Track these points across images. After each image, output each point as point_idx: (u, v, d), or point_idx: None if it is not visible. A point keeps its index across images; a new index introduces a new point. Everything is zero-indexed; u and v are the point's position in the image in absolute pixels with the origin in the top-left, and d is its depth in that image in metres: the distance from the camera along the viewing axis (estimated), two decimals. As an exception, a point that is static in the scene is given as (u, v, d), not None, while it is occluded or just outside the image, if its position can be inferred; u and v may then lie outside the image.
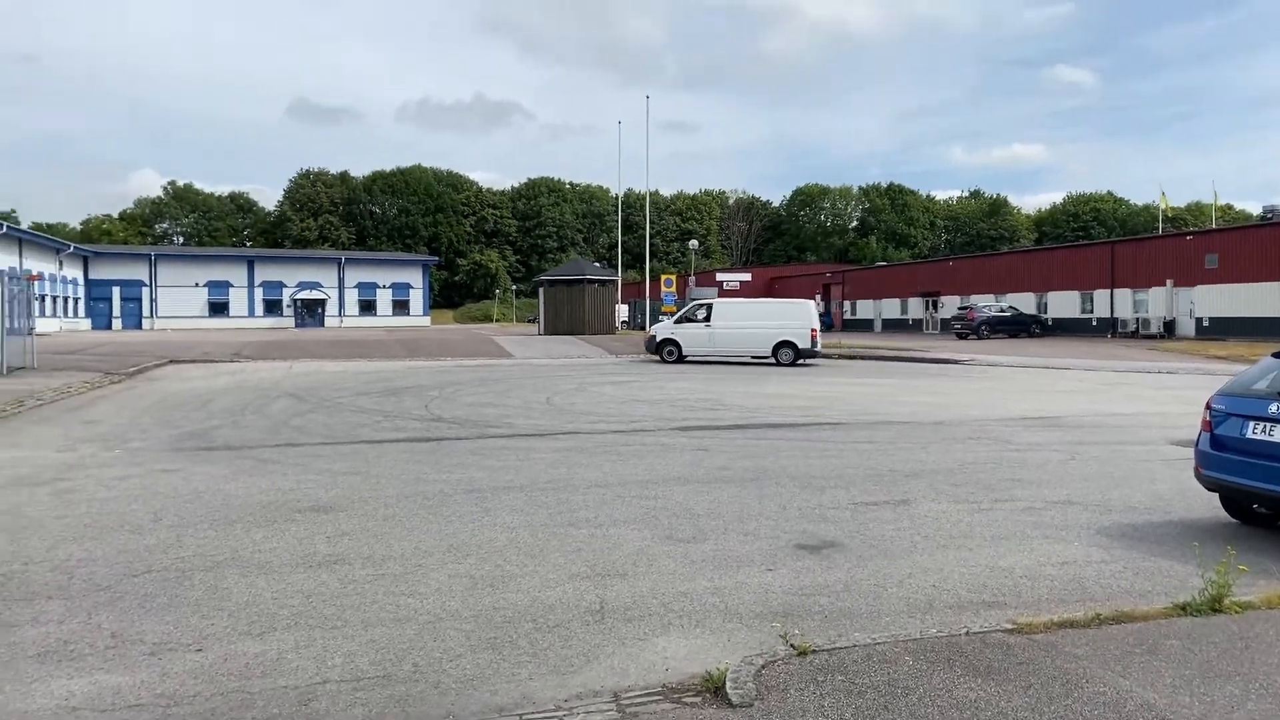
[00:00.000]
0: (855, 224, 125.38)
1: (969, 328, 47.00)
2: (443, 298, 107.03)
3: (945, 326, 54.40)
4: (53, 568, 6.09)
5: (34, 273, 32.88)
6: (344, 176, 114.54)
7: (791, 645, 4.46)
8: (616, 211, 74.22)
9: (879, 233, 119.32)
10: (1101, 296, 48.29)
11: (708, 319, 28.27)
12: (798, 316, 28.40)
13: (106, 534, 7.00)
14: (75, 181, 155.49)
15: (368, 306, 73.35)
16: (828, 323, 67.82)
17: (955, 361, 29.26)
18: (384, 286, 74.24)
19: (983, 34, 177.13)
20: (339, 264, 73.86)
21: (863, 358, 32.39)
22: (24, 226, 65.45)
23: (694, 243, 53.25)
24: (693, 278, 48.47)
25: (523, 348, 36.39)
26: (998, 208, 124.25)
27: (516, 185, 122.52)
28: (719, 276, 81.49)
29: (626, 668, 4.51)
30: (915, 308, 63.43)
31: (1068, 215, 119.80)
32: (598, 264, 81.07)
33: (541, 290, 48.66)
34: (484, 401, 17.13)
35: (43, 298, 49.59)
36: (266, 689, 4.24)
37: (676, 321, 29.02)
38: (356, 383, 21.30)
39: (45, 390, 17.84)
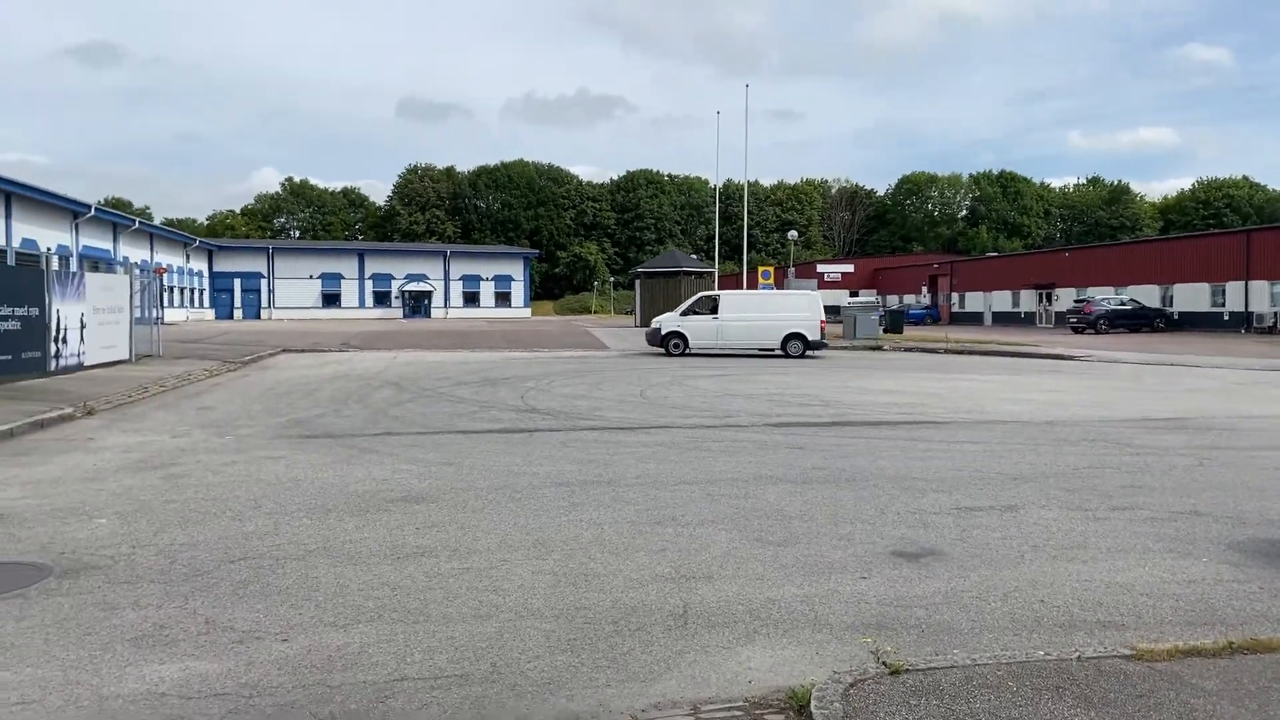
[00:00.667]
0: (964, 213, 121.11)
1: (1086, 321, 44.70)
2: (543, 290, 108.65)
3: (1060, 320, 51.93)
4: (157, 551, 6.31)
5: (162, 266, 34.89)
6: (450, 171, 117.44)
7: (884, 663, 4.20)
8: (714, 203, 73.63)
9: (989, 222, 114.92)
10: (1235, 289, 45.12)
11: (715, 311, 27.82)
12: (806, 308, 28.10)
13: (209, 519, 7.24)
14: (203, 179, 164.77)
15: (471, 298, 75.11)
16: (934, 316, 65.82)
17: (1070, 357, 27.81)
18: (487, 279, 75.85)
19: (1107, 12, 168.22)
20: (444, 257, 75.84)
21: (969, 352, 31.17)
22: (156, 223, 69.53)
23: (793, 233, 52.34)
24: (791, 269, 47.62)
25: (618, 340, 36.51)
26: (1119, 195, 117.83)
27: (616, 178, 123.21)
28: (819, 268, 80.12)
29: (708, 677, 4.34)
30: (1028, 300, 60.79)
31: (1197, 202, 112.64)
32: (695, 255, 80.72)
33: (638, 282, 48.75)
34: (577, 393, 17.17)
35: (171, 289, 52.60)
36: (346, 683, 4.24)
37: (683, 314, 28.25)
38: (456, 373, 21.72)
39: (168, 377, 18.83)
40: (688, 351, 27.64)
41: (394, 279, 72.68)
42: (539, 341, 35.01)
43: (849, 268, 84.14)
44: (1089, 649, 4.49)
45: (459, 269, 75.37)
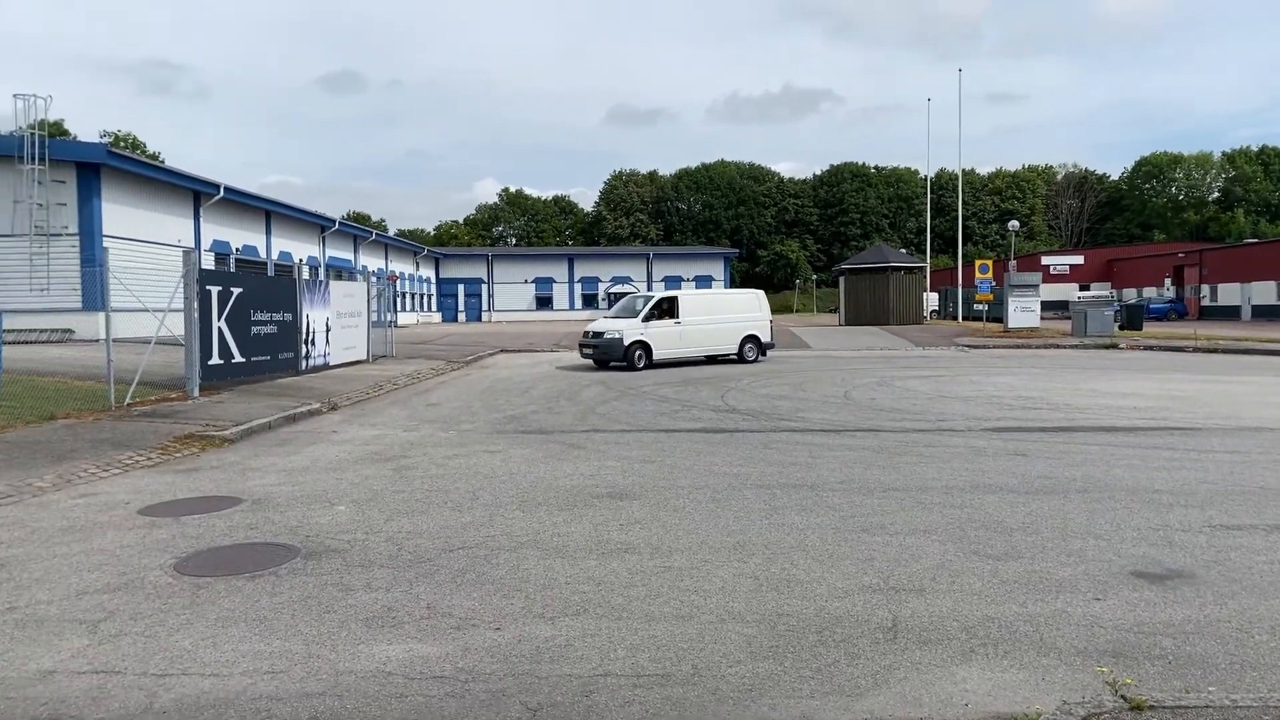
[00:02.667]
0: (1216, 195, 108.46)
1: (1372, 314, 38.65)
2: (744, 288, 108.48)
3: (1338, 313, 45.25)
4: (387, 538, 6.82)
5: (395, 273, 37.93)
6: (653, 176, 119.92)
7: (1123, 696, 3.77)
8: (925, 194, 70.38)
9: (1247, 204, 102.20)
10: None
11: (674, 315, 23.59)
12: (757, 307, 25.25)
13: (432, 509, 7.74)
14: (431, 191, 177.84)
15: (674, 299, 76.24)
16: (1179, 310, 59.42)
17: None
18: (688, 279, 76.65)
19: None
20: (647, 259, 77.51)
21: (1224, 351, 27.84)
22: (390, 234, 75.89)
23: (1014, 223, 48.99)
24: (1013, 262, 44.59)
25: (821, 339, 35.72)
26: None
27: (819, 173, 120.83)
28: (1044, 260, 74.63)
29: (919, 697, 4.08)
30: (1295, 291, 53.45)
31: None
32: (904, 250, 77.55)
33: (842, 279, 47.46)
34: (778, 394, 16.92)
35: (402, 295, 57.17)
36: (552, 675, 4.36)
37: (645, 319, 23.12)
38: (659, 372, 22.06)
39: (400, 376, 20.44)
40: (651, 364, 23.02)
41: (600, 281, 75.16)
42: (741, 341, 34.85)
43: (1078, 259, 77.74)
44: (1386, 699, 3.82)
45: (661, 270, 76.75)
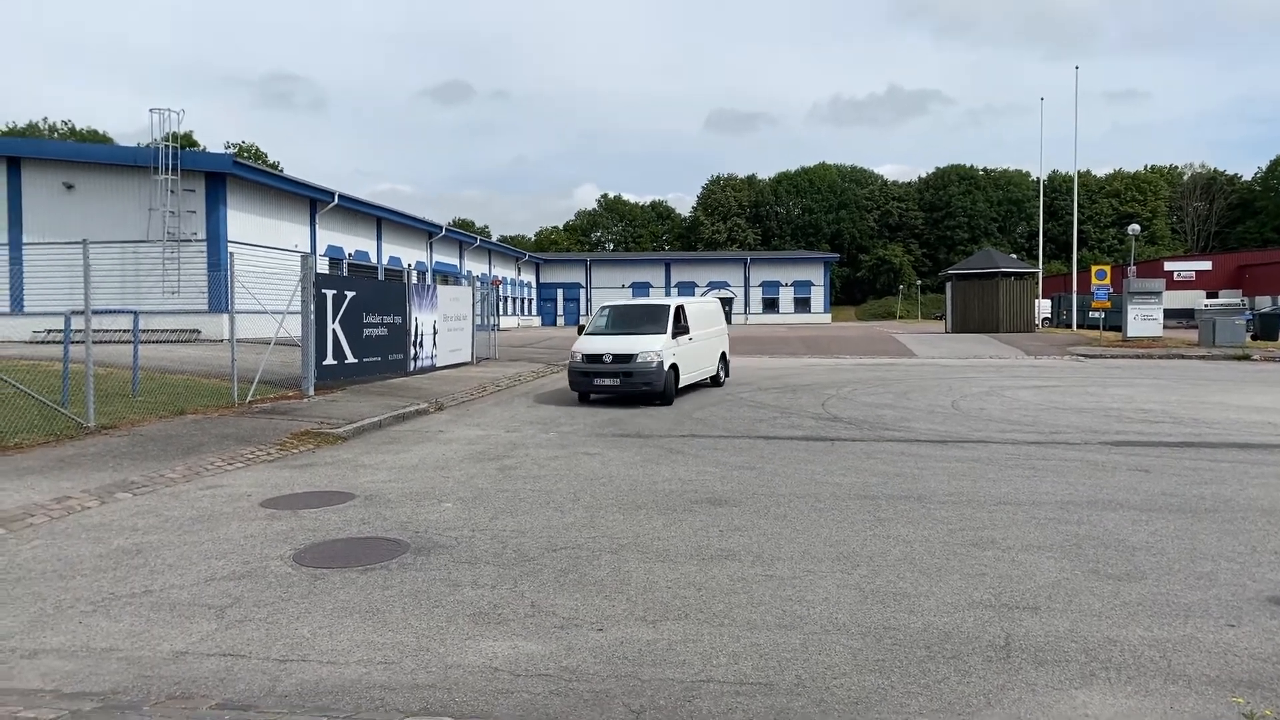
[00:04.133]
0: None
1: None
2: (844, 294, 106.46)
3: None
4: (492, 536, 6.98)
5: (498, 278, 38.79)
6: (751, 180, 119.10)
7: (1263, 731, 3.53)
8: (1037, 197, 67.69)
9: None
10: None
11: (686, 329, 17.70)
12: (722, 318, 21.06)
13: (535, 509, 7.87)
14: (532, 198, 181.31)
15: (770, 304, 75.59)
16: (1317, 319, 55.34)
17: None
18: (786, 285, 75.94)
19: None
20: (745, 264, 77.09)
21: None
22: (493, 240, 77.78)
23: (1134, 227, 46.54)
24: (1132, 268, 42.41)
25: (927, 346, 34.77)
26: None
27: (924, 176, 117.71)
28: (1167, 265, 70.78)
29: (1035, 718, 3.92)
30: None
31: None
32: (1014, 255, 74.82)
33: (949, 285, 46.07)
34: (882, 403, 16.54)
35: (504, 299, 58.48)
36: (655, 678, 4.37)
37: (674, 335, 16.95)
38: (756, 378, 21.87)
39: (503, 377, 20.90)
40: (680, 389, 17.24)
41: (697, 286, 75.13)
42: (840, 348, 34.31)
43: (1205, 265, 73.41)
44: None
45: (758, 275, 76.21)
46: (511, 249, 69.70)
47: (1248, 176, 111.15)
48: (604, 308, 18.35)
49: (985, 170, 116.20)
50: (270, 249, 27.60)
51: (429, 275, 45.05)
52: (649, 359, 16.01)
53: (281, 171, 48.41)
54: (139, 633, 5.00)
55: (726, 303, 73.94)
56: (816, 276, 77.30)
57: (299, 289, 15.38)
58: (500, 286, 52.90)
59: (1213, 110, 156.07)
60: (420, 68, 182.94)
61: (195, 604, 5.47)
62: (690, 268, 77.72)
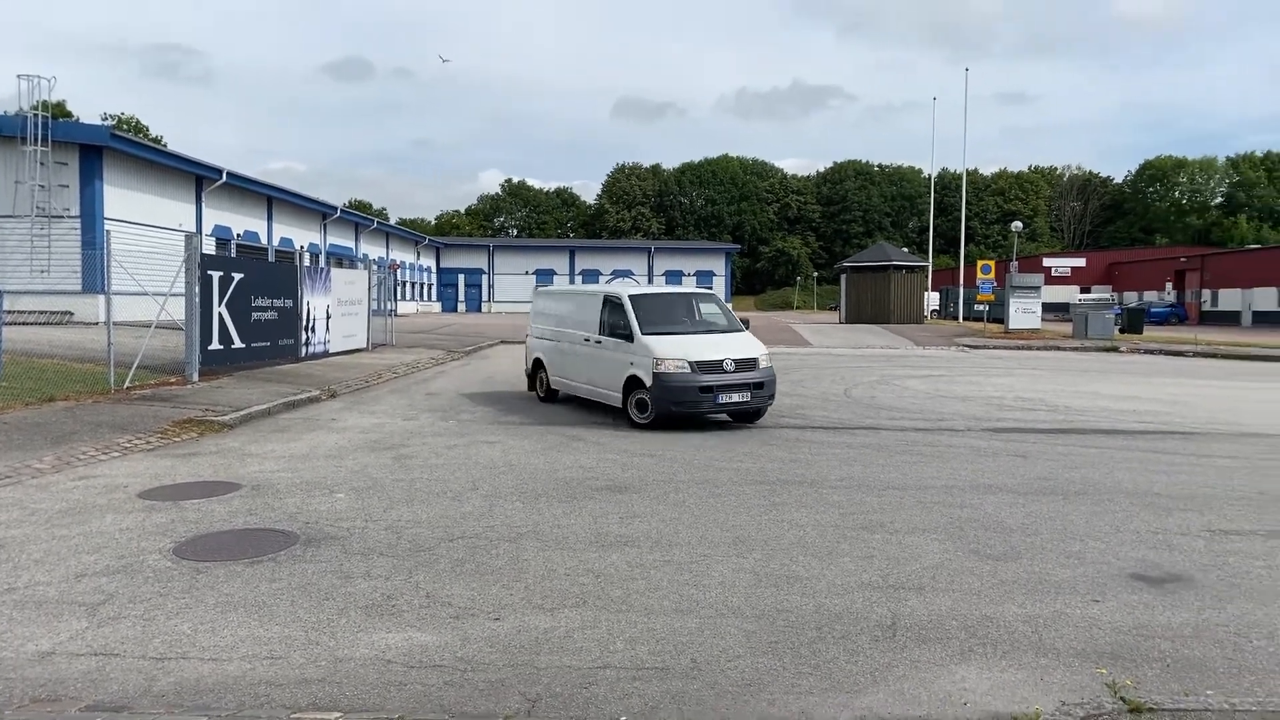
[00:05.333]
0: (1219, 200, 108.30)
1: (1373, 323, 38.67)
2: (744, 284, 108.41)
3: (1338, 321, 45.28)
4: (386, 527, 6.82)
5: (396, 262, 37.85)
6: (656, 169, 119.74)
7: (1121, 698, 3.77)
8: (928, 193, 70.37)
9: (1251, 210, 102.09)
10: None
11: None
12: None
13: (432, 499, 7.74)
14: (435, 181, 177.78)
15: (675, 293, 76.21)
16: (1180, 315, 59.42)
17: (1352, 363, 24.16)
18: (689, 274, 76.65)
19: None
20: (649, 253, 77.50)
21: (1225, 356, 27.84)
22: (392, 222, 75.85)
23: (1017, 224, 48.88)
24: (1015, 263, 44.53)
25: (822, 336, 35.73)
26: None
27: (822, 170, 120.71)
28: (1046, 261, 74.59)
29: (918, 695, 4.08)
30: (1297, 298, 53.46)
31: None
32: (905, 249, 77.51)
33: (844, 277, 47.45)
34: (779, 391, 16.88)
35: (403, 284, 57.12)
36: (552, 666, 4.36)
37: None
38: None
39: (400, 364, 20.43)
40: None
41: (601, 274, 75.11)
42: (741, 337, 34.88)
43: (1079, 262, 77.71)
44: (1385, 706, 3.82)
45: (662, 264, 76.72)
46: (411, 232, 68.12)
47: (1119, 179, 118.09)
48: (633, 298, 12.83)
49: (880, 166, 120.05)
50: (152, 228, 26.14)
51: (323, 258, 43.59)
52: (767, 364, 12.54)
53: (165, 146, 45.95)
54: (0, 634, 4.68)
55: (630, 291, 74.32)
56: (718, 266, 78.32)
57: (182, 270, 14.65)
58: (398, 271, 51.64)
59: (1092, 116, 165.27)
60: (317, 42, 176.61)
61: (64, 601, 5.16)
62: (595, 255, 77.63)
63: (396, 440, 10.81)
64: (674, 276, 76.50)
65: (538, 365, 14.91)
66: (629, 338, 12.31)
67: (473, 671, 4.28)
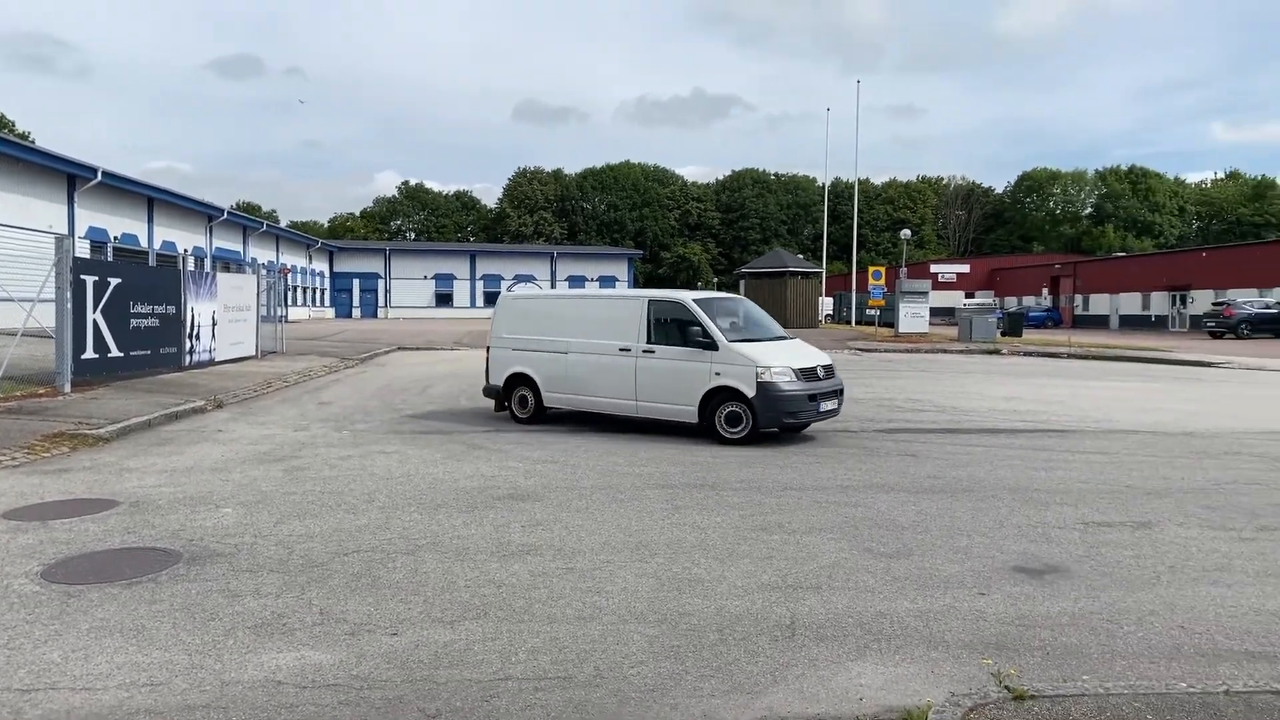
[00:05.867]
0: (1089, 211, 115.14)
1: (1226, 326, 41.85)
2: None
3: (1195, 324, 48.82)
4: (277, 542, 6.56)
5: (286, 266, 36.55)
6: (557, 174, 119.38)
7: (1006, 686, 3.95)
8: (823, 201, 72.50)
9: (1117, 220, 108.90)
10: (1398, 291, 41.34)
11: None
12: None
13: (325, 512, 7.48)
14: (329, 183, 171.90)
15: (577, 298, 76.09)
16: (1055, 318, 62.86)
17: (1209, 364, 26.03)
18: (592, 279, 76.69)
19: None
20: (551, 258, 77.17)
21: (1096, 357, 29.58)
22: (282, 225, 73.22)
23: (905, 232, 50.82)
24: (904, 269, 46.28)
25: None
26: (1263, 190, 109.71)
27: (722, 178, 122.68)
28: (933, 268, 77.72)
29: (816, 693, 4.18)
30: (1159, 303, 57.35)
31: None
32: (801, 255, 79.56)
33: (742, 283, 48.34)
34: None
35: (294, 289, 55.23)
36: (452, 680, 4.27)
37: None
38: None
39: (290, 373, 19.71)
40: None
41: (503, 279, 74.38)
42: (643, 342, 35.10)
43: (964, 268, 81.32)
44: (1238, 683, 4.12)
45: (565, 269, 76.55)
46: (302, 235, 65.89)
47: (1000, 189, 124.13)
48: (699, 303, 12.04)
49: (777, 175, 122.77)
50: (18, 229, 24.50)
51: (208, 262, 41.72)
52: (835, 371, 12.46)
53: (33, 143, 43.14)
54: None
55: (531, 296, 73.77)
56: (621, 272, 78.63)
57: (53, 274, 13.77)
58: (289, 275, 49.91)
59: (975, 129, 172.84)
60: (203, 38, 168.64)
61: (-85, 634, 4.76)
62: (496, 260, 76.80)
63: (287, 452, 10.42)
64: (577, 281, 76.43)
65: (517, 381, 13.15)
66: (708, 346, 11.45)
67: (369, 689, 4.15)
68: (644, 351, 11.96)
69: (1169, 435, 12.27)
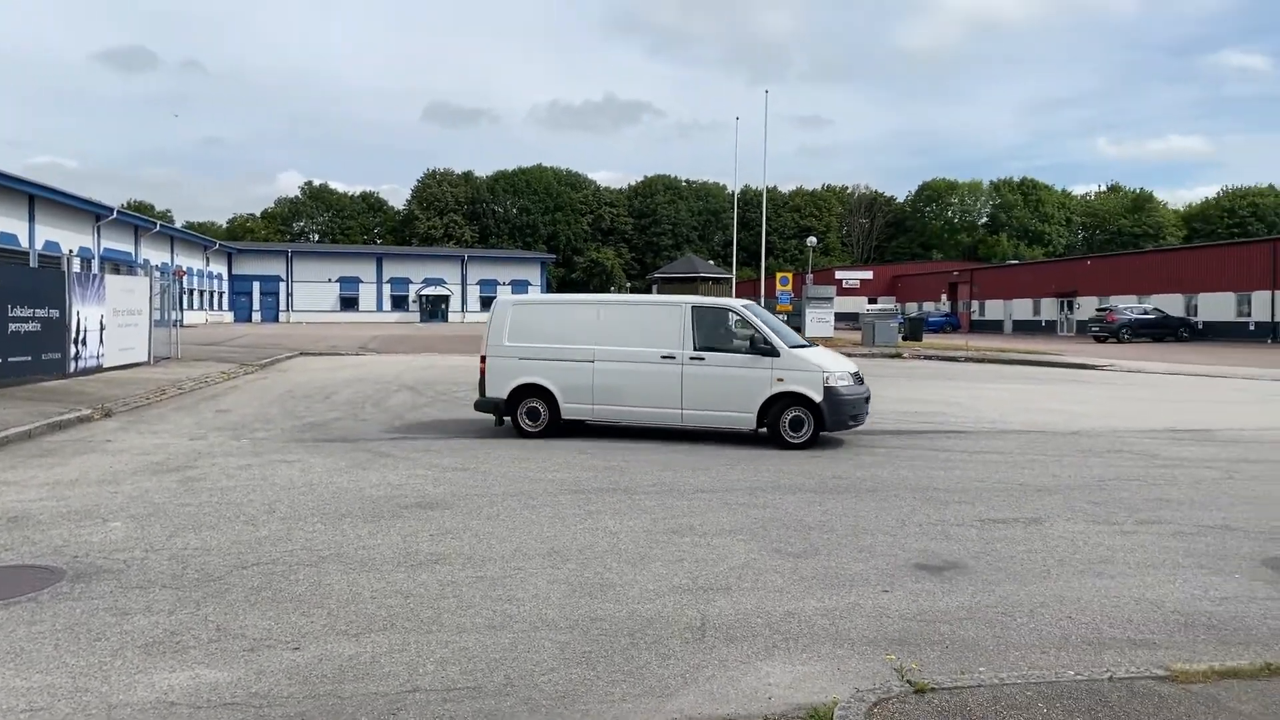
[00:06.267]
0: (985, 220, 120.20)
1: (1109, 330, 44.23)
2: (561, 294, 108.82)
3: (1082, 329, 51.43)
4: (170, 556, 6.27)
5: (180, 268, 35.03)
6: (468, 176, 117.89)
7: (908, 681, 4.07)
8: (733, 208, 73.73)
9: (1010, 229, 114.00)
10: (1261, 298, 44.45)
11: None
12: None
13: (223, 524, 7.19)
14: (229, 183, 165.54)
15: (489, 303, 75.12)
16: (954, 323, 65.34)
17: (1093, 367, 27.47)
18: (504, 283, 76.04)
19: (1142, 19, 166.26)
20: (462, 261, 76.17)
21: (991, 360, 30.86)
22: (178, 226, 70.23)
23: (812, 239, 52.16)
24: (810, 276, 47.42)
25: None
26: (1141, 203, 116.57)
27: (634, 183, 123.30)
28: (838, 274, 79.80)
29: (726, 694, 4.22)
30: (1049, 309, 60.26)
31: (1222, 211, 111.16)
32: (711, 261, 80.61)
33: (654, 287, 48.70)
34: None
35: (190, 292, 53.02)
36: (357, 694, 4.16)
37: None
38: (472, 377, 21.63)
39: (186, 380, 18.89)
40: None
41: (411, 283, 73.03)
42: (555, 346, 34.96)
43: (868, 274, 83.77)
44: (1121, 669, 4.35)
45: (476, 273, 75.67)
46: (199, 237, 63.34)
47: (901, 198, 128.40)
48: (750, 309, 12.27)
49: (688, 181, 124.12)
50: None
51: (95, 263, 39.62)
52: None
53: (-105, 133, 40.20)
54: None
55: (443, 300, 72.64)
56: (534, 276, 78.22)
57: (-82, 275, 12.86)
58: (184, 278, 47.86)
59: (878, 139, 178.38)
60: (93, 28, 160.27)
61: None
62: (405, 263, 75.35)
63: (182, 461, 9.98)
64: (489, 286, 75.66)
65: (526, 392, 12.29)
66: (768, 352, 11.49)
67: (269, 707, 4.01)
68: (691, 359, 11.68)
69: (1058, 435, 12.89)
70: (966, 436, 12.67)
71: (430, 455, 10.62)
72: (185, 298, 47.79)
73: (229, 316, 65.35)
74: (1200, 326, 46.67)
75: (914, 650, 4.75)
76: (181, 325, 26.31)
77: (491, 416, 12.75)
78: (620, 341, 12.00)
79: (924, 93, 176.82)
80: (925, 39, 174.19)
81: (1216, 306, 47.11)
